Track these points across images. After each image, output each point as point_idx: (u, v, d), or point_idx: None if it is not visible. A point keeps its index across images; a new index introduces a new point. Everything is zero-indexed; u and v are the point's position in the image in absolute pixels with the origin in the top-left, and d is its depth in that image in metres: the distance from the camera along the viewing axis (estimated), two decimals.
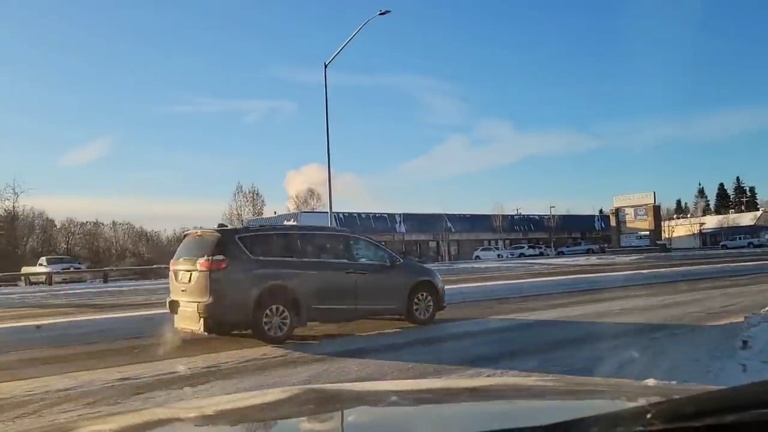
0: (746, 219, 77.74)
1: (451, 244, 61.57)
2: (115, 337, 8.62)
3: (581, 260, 37.09)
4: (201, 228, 9.92)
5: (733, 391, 1.02)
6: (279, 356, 6.97)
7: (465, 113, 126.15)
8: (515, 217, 69.99)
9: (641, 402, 1.23)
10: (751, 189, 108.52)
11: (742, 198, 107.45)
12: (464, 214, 68.21)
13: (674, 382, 2.63)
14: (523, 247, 61.78)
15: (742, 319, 8.35)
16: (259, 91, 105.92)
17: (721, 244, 64.56)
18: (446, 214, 64.30)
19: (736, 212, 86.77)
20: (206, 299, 7.60)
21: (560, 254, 59.85)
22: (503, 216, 64.05)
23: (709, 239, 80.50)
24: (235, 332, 7.99)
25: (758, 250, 50.13)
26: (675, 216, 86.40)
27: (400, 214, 64.00)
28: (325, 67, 36.12)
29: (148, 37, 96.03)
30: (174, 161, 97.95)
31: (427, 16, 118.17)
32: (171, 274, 8.64)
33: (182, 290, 8.10)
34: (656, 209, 58.04)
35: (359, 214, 61.82)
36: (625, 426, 0.88)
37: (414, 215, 64.54)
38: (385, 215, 63.52)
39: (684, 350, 6.30)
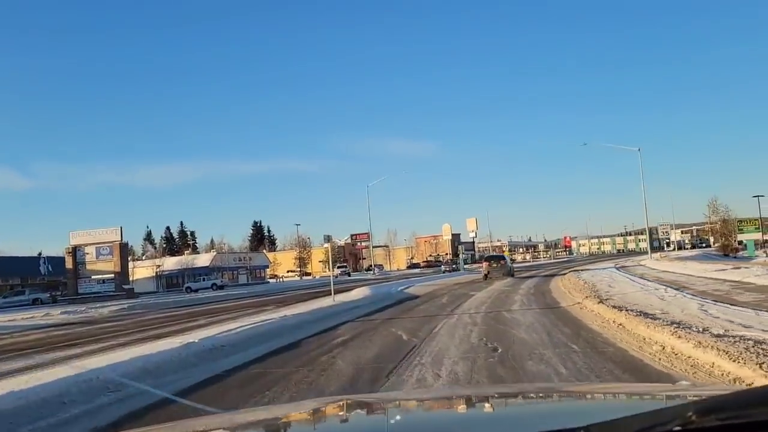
0: (203, 260, 77.93)
1: None
2: None
3: (38, 315, 25.86)
4: None
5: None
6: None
7: None
8: None
9: (679, 401, 1.16)
10: (192, 233, 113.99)
11: (187, 241, 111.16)
12: None
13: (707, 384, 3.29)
14: None
15: None
16: None
17: (185, 286, 61.04)
18: None
19: (191, 254, 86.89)
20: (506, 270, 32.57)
21: None
22: None
23: (166, 281, 77.33)
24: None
25: (223, 293, 48.16)
26: (129, 258, 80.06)
27: None
28: None
29: None
30: None
31: None
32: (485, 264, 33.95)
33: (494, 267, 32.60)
34: (123, 247, 49.98)
35: None
36: (667, 422, 0.88)
37: None
38: None
39: None
